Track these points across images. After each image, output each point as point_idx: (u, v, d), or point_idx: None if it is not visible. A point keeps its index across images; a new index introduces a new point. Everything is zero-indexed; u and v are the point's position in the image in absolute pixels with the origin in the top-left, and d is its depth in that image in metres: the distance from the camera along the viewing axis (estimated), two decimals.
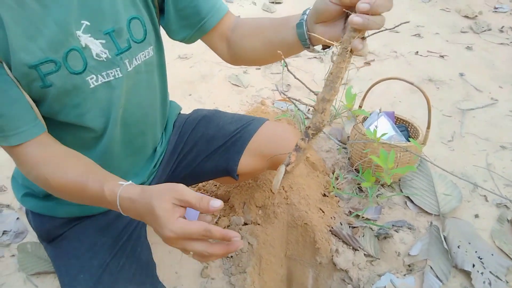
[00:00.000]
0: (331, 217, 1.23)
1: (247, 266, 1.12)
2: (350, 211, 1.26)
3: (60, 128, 0.72)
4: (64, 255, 0.84)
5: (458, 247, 1.12)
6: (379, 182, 1.31)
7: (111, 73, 0.72)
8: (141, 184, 0.92)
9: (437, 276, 1.07)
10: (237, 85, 1.95)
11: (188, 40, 0.84)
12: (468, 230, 1.18)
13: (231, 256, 1.17)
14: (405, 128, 1.40)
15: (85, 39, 0.67)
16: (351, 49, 0.52)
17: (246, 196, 1.26)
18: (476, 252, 1.11)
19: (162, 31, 0.85)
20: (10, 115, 0.63)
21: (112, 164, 0.81)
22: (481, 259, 1.09)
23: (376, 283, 1.07)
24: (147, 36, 0.76)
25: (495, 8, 2.72)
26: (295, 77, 0.58)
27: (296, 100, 0.60)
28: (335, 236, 1.18)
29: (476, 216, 1.25)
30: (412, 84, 1.20)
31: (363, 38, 0.53)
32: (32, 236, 1.17)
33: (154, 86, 0.86)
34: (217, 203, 0.58)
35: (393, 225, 1.20)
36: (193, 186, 1.33)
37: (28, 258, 1.10)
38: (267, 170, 1.15)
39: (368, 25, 0.50)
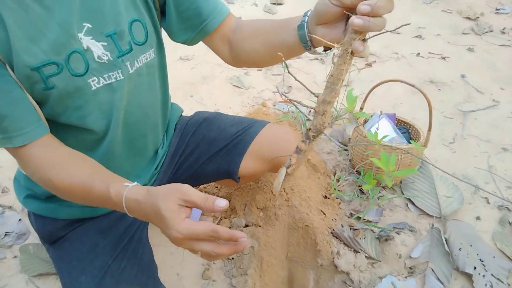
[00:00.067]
0: (332, 219, 1.22)
1: (248, 268, 1.12)
2: (351, 213, 1.26)
3: (62, 130, 0.73)
4: (66, 257, 0.84)
5: (460, 249, 1.12)
6: (380, 184, 1.30)
7: (113, 75, 0.72)
8: None
9: (438, 279, 1.07)
10: (238, 87, 1.95)
11: (190, 42, 0.84)
12: (469, 233, 1.18)
13: (232, 258, 1.17)
14: (406, 130, 1.40)
15: (87, 42, 0.67)
16: (351, 51, 0.52)
17: (247, 198, 1.26)
18: (477, 254, 1.11)
19: (164, 33, 0.86)
20: (14, 116, 0.63)
21: (114, 165, 0.81)
22: (482, 261, 1.09)
23: (377, 285, 1.07)
24: (148, 38, 0.77)
25: (497, 9, 2.72)
26: (296, 79, 0.58)
27: (296, 102, 0.60)
28: (336, 238, 1.18)
29: (478, 218, 1.24)
30: (413, 86, 1.20)
31: (364, 40, 0.53)
32: (34, 238, 1.18)
33: (155, 88, 0.86)
34: (223, 203, 0.58)
35: (394, 227, 1.20)
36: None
37: (30, 259, 1.10)
38: (268, 172, 1.15)
39: (368, 27, 0.50)
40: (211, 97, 1.88)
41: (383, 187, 1.33)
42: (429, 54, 2.24)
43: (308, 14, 0.65)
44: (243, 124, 1.01)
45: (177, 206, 0.58)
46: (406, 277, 1.09)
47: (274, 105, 1.79)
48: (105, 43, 0.70)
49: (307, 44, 0.67)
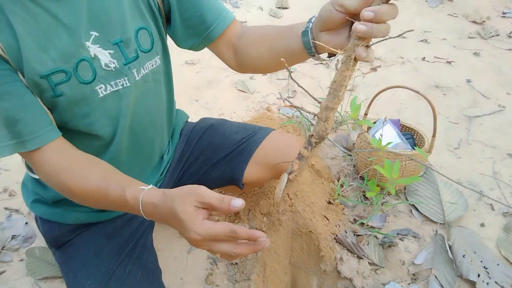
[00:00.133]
0: (335, 225, 1.23)
1: (252, 273, 1.12)
2: (355, 219, 1.26)
3: (69, 136, 0.73)
4: (71, 261, 0.85)
5: (463, 256, 1.11)
6: (384, 190, 1.30)
7: (120, 82, 0.73)
8: None
9: (441, 286, 1.07)
10: (243, 91, 1.96)
11: (195, 48, 0.85)
12: (473, 239, 1.17)
13: (236, 263, 1.18)
14: (410, 136, 1.40)
15: (94, 50, 0.69)
16: (355, 57, 0.52)
17: (251, 203, 1.27)
18: (481, 261, 1.10)
19: (169, 40, 0.87)
20: (26, 120, 0.64)
21: (120, 171, 0.82)
22: (486, 269, 1.08)
23: None
24: (154, 45, 0.78)
25: (503, 13, 2.71)
26: (299, 85, 0.59)
27: (299, 107, 0.60)
28: (340, 244, 1.18)
29: (482, 225, 1.24)
30: (417, 92, 1.20)
31: (368, 46, 0.53)
32: (40, 241, 1.19)
33: (161, 94, 0.87)
34: (238, 203, 0.58)
35: (398, 234, 1.20)
36: None
37: (36, 262, 1.11)
38: (273, 179, 1.15)
39: (372, 33, 0.50)
40: (216, 101, 1.89)
41: (388, 193, 1.33)
42: (435, 58, 2.23)
43: (313, 20, 0.66)
44: (248, 131, 1.01)
45: (194, 208, 0.59)
46: (409, 284, 1.09)
47: (279, 110, 1.80)
48: (112, 51, 0.71)
49: (311, 50, 0.68)
